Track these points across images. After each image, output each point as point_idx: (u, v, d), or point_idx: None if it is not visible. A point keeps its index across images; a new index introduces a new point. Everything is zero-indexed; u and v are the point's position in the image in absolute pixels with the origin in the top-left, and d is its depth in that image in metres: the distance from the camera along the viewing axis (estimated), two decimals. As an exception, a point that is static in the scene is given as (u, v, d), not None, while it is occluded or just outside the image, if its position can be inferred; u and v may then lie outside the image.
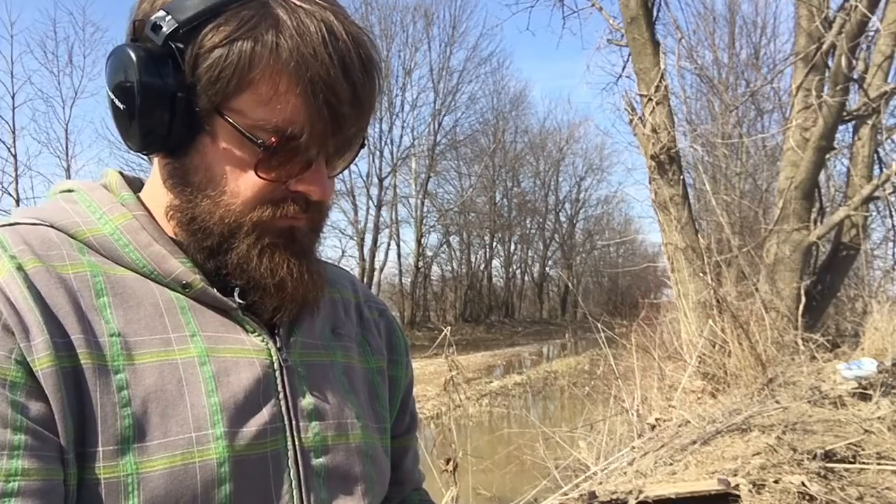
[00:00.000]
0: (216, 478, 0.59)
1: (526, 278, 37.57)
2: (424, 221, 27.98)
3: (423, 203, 27.49)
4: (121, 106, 0.62)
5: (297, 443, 0.66)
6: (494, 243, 34.05)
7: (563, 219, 37.51)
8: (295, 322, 0.70)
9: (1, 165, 17.36)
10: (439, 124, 27.48)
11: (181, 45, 0.60)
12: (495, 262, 35.02)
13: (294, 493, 0.65)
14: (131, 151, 0.65)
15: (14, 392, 0.53)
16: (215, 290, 0.65)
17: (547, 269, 37.93)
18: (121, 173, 0.70)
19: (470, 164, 30.92)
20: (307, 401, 0.67)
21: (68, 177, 18.34)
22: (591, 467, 4.20)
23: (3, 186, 17.29)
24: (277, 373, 0.66)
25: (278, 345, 0.67)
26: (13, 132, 17.49)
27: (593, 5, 7.40)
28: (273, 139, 0.60)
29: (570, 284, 35.92)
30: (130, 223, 0.64)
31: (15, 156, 17.46)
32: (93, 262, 0.62)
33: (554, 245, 37.48)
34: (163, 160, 0.66)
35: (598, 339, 6.31)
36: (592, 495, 3.02)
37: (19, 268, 0.57)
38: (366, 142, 0.69)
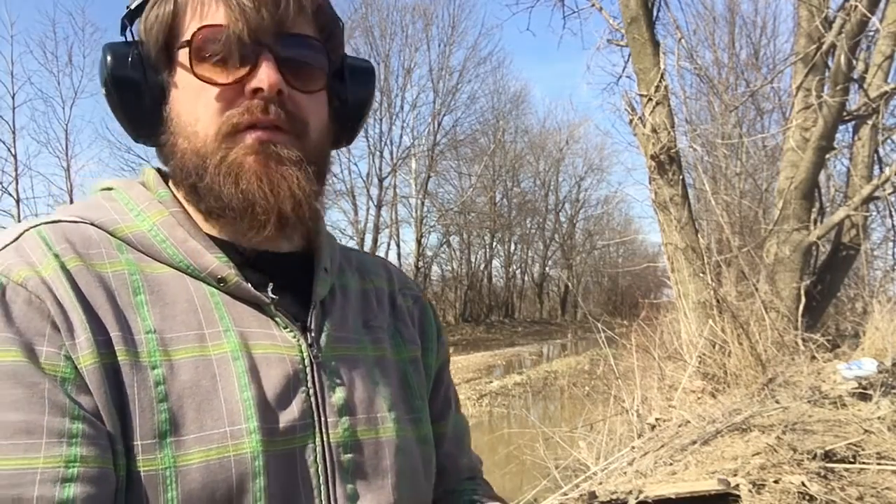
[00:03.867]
0: (251, 471, 0.60)
1: (526, 278, 37.57)
2: (424, 221, 27.99)
3: (423, 203, 27.50)
4: (108, 104, 0.68)
5: (325, 438, 0.66)
6: (494, 243, 34.06)
7: (563, 219, 37.53)
8: (326, 317, 0.71)
9: (1, 165, 17.37)
10: (439, 124, 27.48)
11: (134, 31, 0.67)
12: (495, 262, 35.04)
13: (322, 488, 0.65)
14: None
15: (66, 386, 0.55)
16: (249, 285, 0.66)
17: (547, 269, 37.94)
18: (158, 170, 0.72)
19: (470, 164, 30.92)
20: (337, 396, 0.68)
21: (68, 177, 18.40)
22: (591, 467, 4.20)
23: (3, 186, 17.30)
24: (308, 368, 0.67)
25: (309, 340, 0.68)
26: (13, 132, 17.51)
27: (593, 5, 7.40)
28: (197, 32, 0.63)
29: (570, 284, 35.92)
30: (167, 219, 0.67)
31: (15, 156, 17.48)
32: (131, 259, 0.64)
33: (554, 245, 37.48)
34: (158, 149, 0.70)
35: (598, 339, 6.31)
36: (592, 495, 3.02)
37: (63, 266, 0.59)
38: (334, 55, 0.71)
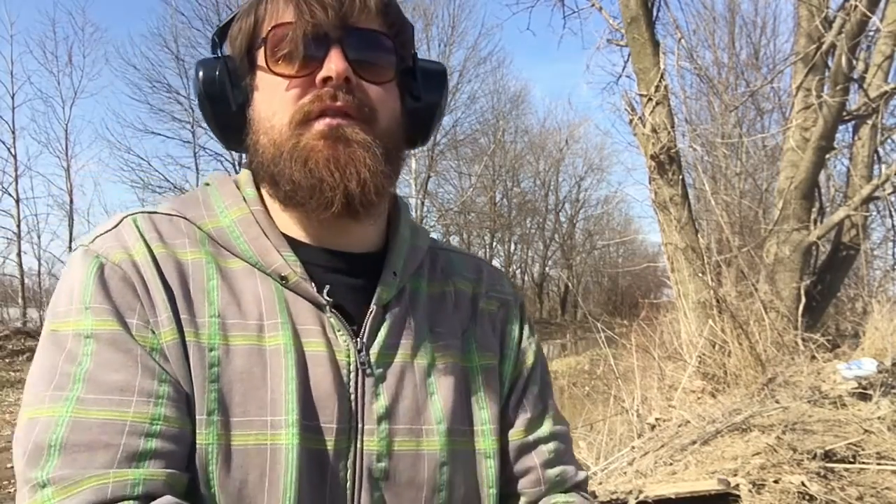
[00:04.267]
0: (284, 462, 0.64)
1: (526, 278, 37.56)
2: (424, 221, 27.98)
3: (423, 203, 27.49)
4: (201, 115, 0.76)
5: (359, 444, 0.68)
6: (494, 243, 34.06)
7: (563, 219, 37.51)
8: (385, 322, 0.73)
9: (1, 165, 17.36)
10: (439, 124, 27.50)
11: (223, 48, 0.76)
12: (495, 262, 35.00)
13: (347, 493, 0.67)
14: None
15: (154, 354, 0.63)
16: (309, 285, 0.70)
17: (547, 269, 37.93)
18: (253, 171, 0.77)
19: (470, 164, 30.91)
20: (379, 403, 0.69)
21: (68, 177, 18.45)
22: (591, 467, 4.20)
23: (3, 186, 17.29)
24: (353, 374, 0.69)
25: (358, 346, 0.70)
26: (13, 132, 17.51)
27: (593, 5, 7.39)
28: (270, 32, 0.69)
29: (570, 284, 35.92)
30: (246, 217, 0.72)
31: (15, 156, 17.47)
32: (209, 251, 0.71)
33: (554, 245, 37.48)
34: (247, 153, 0.75)
35: (598, 339, 6.31)
36: (592, 495, 3.02)
37: (150, 252, 0.67)
38: (403, 52, 0.75)
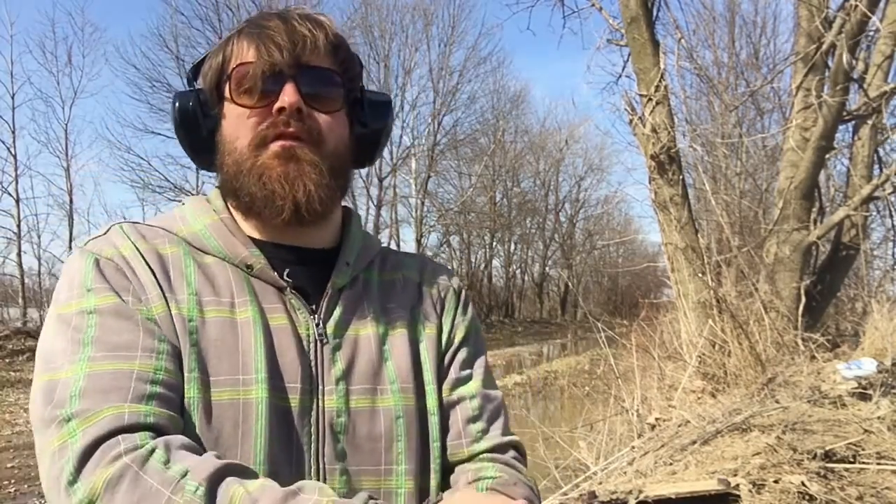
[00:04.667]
0: (255, 414, 0.74)
1: (526, 278, 37.59)
2: (424, 221, 27.99)
3: (423, 203, 27.50)
4: (177, 139, 0.88)
5: (321, 403, 0.79)
6: (494, 243, 34.07)
7: (563, 219, 37.52)
8: (340, 302, 0.86)
9: (1, 165, 17.36)
10: (439, 124, 27.46)
11: (196, 82, 0.89)
12: (495, 262, 35.05)
13: (312, 445, 0.78)
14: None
15: (150, 322, 0.75)
16: (271, 272, 0.83)
17: (547, 269, 37.94)
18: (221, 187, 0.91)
19: (470, 164, 30.90)
20: (336, 368, 0.81)
21: (68, 177, 18.54)
22: (591, 467, 4.20)
23: (3, 186, 17.30)
24: (312, 344, 0.81)
25: (316, 321, 0.82)
26: (13, 132, 17.52)
27: (593, 5, 7.39)
28: (234, 69, 0.82)
29: (570, 284, 35.93)
30: (215, 222, 0.85)
31: (15, 156, 17.49)
32: (186, 249, 0.83)
33: (554, 245, 37.48)
34: (216, 171, 0.88)
35: (598, 339, 6.31)
36: (592, 495, 3.02)
37: (136, 249, 0.80)
38: (350, 85, 0.88)
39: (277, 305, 0.81)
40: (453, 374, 0.91)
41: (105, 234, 0.82)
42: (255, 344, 0.77)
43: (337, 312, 0.84)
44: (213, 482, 0.63)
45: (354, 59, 0.88)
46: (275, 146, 0.80)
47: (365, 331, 0.85)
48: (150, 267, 0.78)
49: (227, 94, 0.83)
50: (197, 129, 0.86)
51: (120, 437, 0.65)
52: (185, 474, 0.63)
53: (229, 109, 0.83)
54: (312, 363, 0.80)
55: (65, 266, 0.80)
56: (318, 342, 0.81)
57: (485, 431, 0.89)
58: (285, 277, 0.82)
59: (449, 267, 1.04)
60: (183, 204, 0.90)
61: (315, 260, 0.87)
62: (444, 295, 0.95)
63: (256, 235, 0.86)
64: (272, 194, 0.80)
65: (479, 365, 0.94)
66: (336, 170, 0.83)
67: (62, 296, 0.76)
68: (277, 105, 0.80)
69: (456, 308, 0.95)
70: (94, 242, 0.81)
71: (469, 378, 0.92)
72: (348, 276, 0.87)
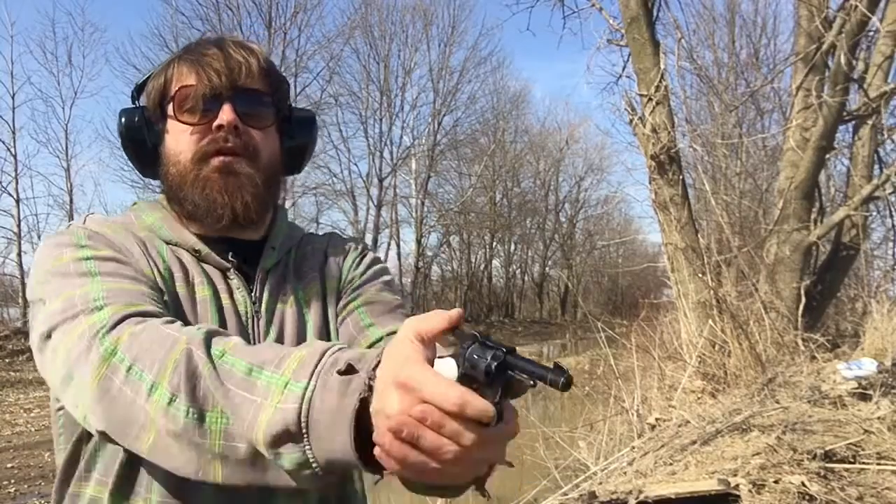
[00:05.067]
0: None
1: (526, 278, 37.57)
2: (424, 221, 27.97)
3: (423, 203, 27.48)
4: (123, 151, 0.99)
5: None
6: (494, 243, 34.03)
7: (563, 219, 37.48)
8: (269, 280, 0.97)
9: (1, 165, 17.34)
10: (439, 124, 27.44)
11: (139, 99, 1.00)
12: (495, 262, 35.01)
13: None
14: (145, 178, 1.05)
15: (140, 273, 0.86)
16: (216, 256, 0.94)
17: (547, 269, 37.92)
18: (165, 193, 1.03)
19: (470, 164, 30.86)
20: (270, 337, 0.94)
21: (68, 177, 18.55)
22: (591, 467, 4.20)
23: (2, 186, 17.27)
24: (250, 320, 0.93)
25: (253, 300, 0.94)
26: (13, 132, 17.47)
27: (593, 5, 7.40)
28: (177, 91, 0.92)
29: (570, 284, 35.91)
30: (165, 216, 0.97)
31: (15, 155, 17.43)
32: (150, 235, 0.94)
33: (554, 245, 37.44)
34: (160, 179, 0.98)
35: (598, 339, 6.31)
36: (592, 495, 3.02)
37: (114, 230, 0.91)
38: (280, 104, 0.99)
39: (223, 286, 0.93)
40: (352, 305, 1.00)
41: (84, 221, 0.93)
42: (210, 319, 0.90)
43: (267, 291, 0.96)
44: (212, 332, 0.73)
45: (283, 81, 1.00)
46: (215, 161, 0.91)
47: (290, 304, 0.97)
48: (130, 241, 0.90)
49: (170, 111, 0.93)
50: (143, 142, 0.96)
51: (143, 315, 0.77)
52: (198, 329, 0.74)
53: (172, 126, 0.93)
54: (251, 335, 0.92)
55: (39, 249, 0.88)
56: (255, 317, 0.93)
57: (378, 325, 0.96)
58: (230, 258, 0.95)
59: (361, 241, 1.15)
60: (135, 205, 1.02)
61: (248, 249, 0.98)
62: (342, 256, 1.07)
63: (195, 231, 0.97)
64: (213, 203, 0.91)
65: (372, 287, 1.02)
66: (269, 180, 0.95)
67: (48, 261, 0.84)
68: (217, 122, 0.90)
69: (353, 261, 1.06)
70: (73, 225, 0.90)
71: (362, 301, 1.00)
72: (274, 259, 0.99)
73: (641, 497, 2.92)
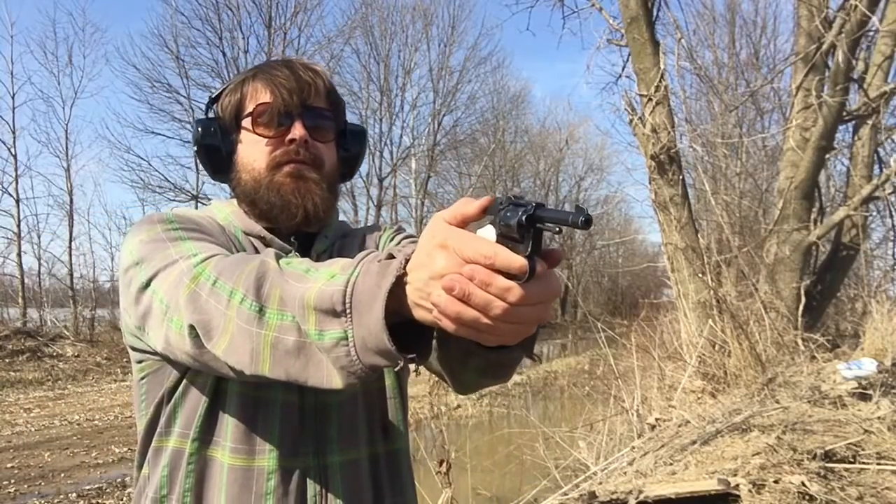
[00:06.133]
0: None
1: (526, 278, 37.46)
2: (424, 221, 27.94)
3: (423, 203, 27.47)
4: (198, 159, 1.13)
5: None
6: (494, 243, 33.95)
7: (563, 219, 37.36)
8: (319, 259, 1.09)
9: (1, 165, 17.33)
10: (439, 124, 27.43)
11: (217, 110, 1.13)
12: (495, 262, 34.93)
13: None
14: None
15: (224, 248, 0.97)
16: (279, 241, 1.07)
17: (547, 269, 37.81)
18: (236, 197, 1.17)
19: (470, 164, 30.87)
20: None
21: (68, 177, 18.47)
22: (591, 467, 4.20)
23: (3, 186, 17.27)
24: None
25: None
26: (13, 132, 17.44)
27: (593, 5, 7.40)
28: (255, 108, 1.06)
29: (570, 284, 35.91)
30: (236, 210, 1.11)
31: (15, 156, 17.41)
32: (227, 223, 1.09)
33: (554, 245, 37.37)
34: (230, 184, 1.12)
35: (598, 339, 6.31)
36: (592, 495, 3.03)
37: (200, 216, 1.06)
38: (339, 120, 1.13)
39: None
40: None
41: (172, 210, 1.06)
42: None
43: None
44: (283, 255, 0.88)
45: (341, 99, 1.15)
46: (288, 168, 1.05)
47: None
48: (215, 223, 1.04)
49: (246, 124, 1.07)
50: (217, 150, 1.10)
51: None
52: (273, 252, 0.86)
53: (248, 137, 1.07)
54: None
55: (131, 230, 0.99)
56: None
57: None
58: (291, 241, 1.08)
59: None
60: (210, 200, 1.20)
61: (305, 238, 1.11)
62: (378, 234, 1.19)
63: (266, 227, 1.11)
64: (288, 204, 1.04)
65: (406, 245, 1.12)
66: (331, 186, 1.09)
67: (141, 232, 0.96)
68: (290, 136, 1.04)
69: (387, 235, 1.18)
70: (165, 210, 1.05)
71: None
72: (325, 245, 1.13)
73: (641, 497, 2.92)
